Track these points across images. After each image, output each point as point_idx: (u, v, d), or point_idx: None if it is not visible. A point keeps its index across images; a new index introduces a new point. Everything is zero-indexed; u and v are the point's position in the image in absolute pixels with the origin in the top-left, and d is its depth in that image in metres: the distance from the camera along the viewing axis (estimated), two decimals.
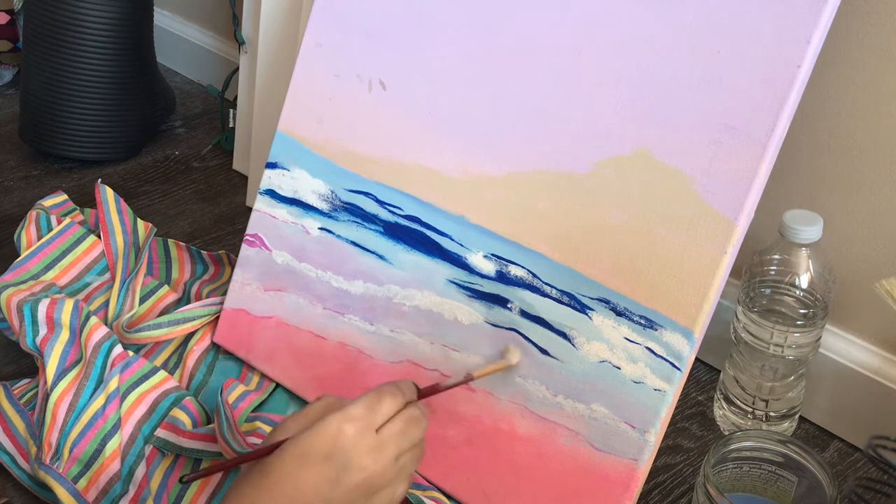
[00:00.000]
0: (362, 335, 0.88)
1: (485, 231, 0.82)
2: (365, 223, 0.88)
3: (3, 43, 1.48)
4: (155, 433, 0.85)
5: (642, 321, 0.74)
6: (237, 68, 1.27)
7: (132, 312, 0.96)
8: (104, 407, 0.85)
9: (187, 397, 0.88)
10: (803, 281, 0.84)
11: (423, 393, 0.71)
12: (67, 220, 1.03)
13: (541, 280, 0.79)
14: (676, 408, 0.91)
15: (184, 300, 1.02)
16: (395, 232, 0.86)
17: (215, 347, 0.97)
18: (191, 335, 0.97)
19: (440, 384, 0.73)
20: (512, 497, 0.80)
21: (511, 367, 0.79)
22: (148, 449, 0.85)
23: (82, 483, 0.81)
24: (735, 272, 0.87)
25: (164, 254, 1.07)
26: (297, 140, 0.93)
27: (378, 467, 0.64)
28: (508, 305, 0.80)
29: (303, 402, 0.92)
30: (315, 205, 0.91)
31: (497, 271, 0.81)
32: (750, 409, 0.89)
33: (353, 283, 0.89)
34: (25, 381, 0.92)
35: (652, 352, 0.74)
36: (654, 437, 0.74)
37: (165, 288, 1.01)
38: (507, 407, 0.80)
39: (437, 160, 0.84)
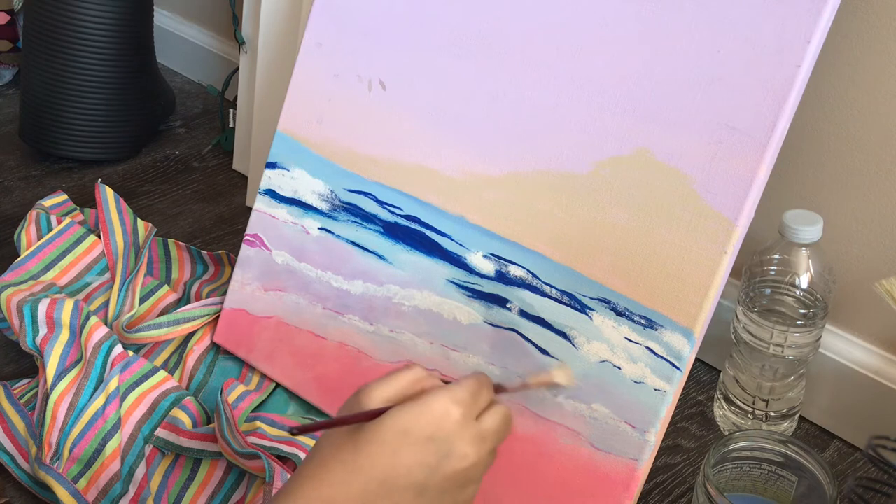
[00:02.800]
0: (362, 335, 0.88)
1: (484, 231, 0.82)
2: (365, 223, 0.88)
3: (3, 43, 1.48)
4: (155, 433, 0.85)
5: (642, 321, 0.74)
6: (237, 68, 1.27)
7: (132, 312, 0.96)
8: (104, 407, 0.85)
9: (187, 397, 0.88)
10: (803, 281, 0.84)
11: (495, 390, 0.65)
12: (67, 220, 1.03)
13: (540, 280, 0.79)
14: (676, 408, 0.91)
15: (184, 300, 1.02)
16: (394, 232, 0.86)
17: (215, 347, 0.97)
18: (191, 335, 0.97)
19: (502, 386, 0.66)
20: (512, 497, 0.80)
21: (560, 386, 0.72)
22: (148, 449, 0.85)
23: (82, 483, 0.81)
24: (735, 272, 0.87)
25: (164, 254, 1.07)
26: (297, 140, 0.93)
27: (477, 459, 0.59)
28: (508, 305, 0.80)
29: (303, 402, 0.92)
30: (315, 205, 0.91)
31: (497, 271, 0.81)
32: (750, 409, 0.89)
33: (352, 283, 0.89)
34: (25, 381, 0.92)
35: (652, 352, 0.74)
36: (654, 437, 0.74)
37: (165, 288, 1.01)
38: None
39: (437, 160, 0.84)
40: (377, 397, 0.59)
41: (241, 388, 0.90)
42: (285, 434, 0.83)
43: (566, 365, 0.74)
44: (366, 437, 0.57)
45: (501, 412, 0.62)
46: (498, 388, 0.65)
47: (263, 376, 0.95)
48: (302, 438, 0.82)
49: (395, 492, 0.57)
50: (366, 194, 0.88)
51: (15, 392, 0.90)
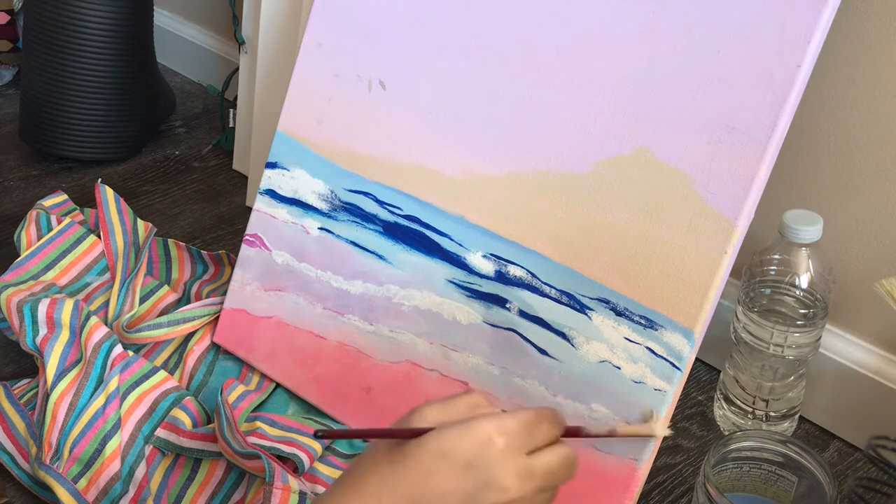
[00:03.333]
0: (362, 335, 0.88)
1: (484, 231, 0.82)
2: (364, 223, 0.88)
3: (3, 43, 1.48)
4: (155, 433, 0.85)
5: (642, 321, 0.74)
6: (237, 68, 1.27)
7: (132, 312, 0.96)
8: (104, 407, 0.85)
9: (187, 397, 0.88)
10: (803, 281, 0.84)
11: (567, 432, 0.62)
12: (67, 220, 1.03)
13: (540, 280, 0.79)
14: (676, 408, 0.91)
15: (184, 300, 1.02)
16: (394, 232, 0.86)
17: (215, 347, 0.97)
18: (191, 335, 0.97)
19: (583, 429, 0.64)
20: None
21: (654, 437, 0.72)
22: (148, 449, 0.85)
23: (82, 483, 0.81)
24: (735, 272, 0.87)
25: (164, 254, 1.07)
26: (297, 140, 0.93)
27: (519, 494, 0.56)
28: (507, 305, 0.80)
29: (303, 402, 0.92)
30: (315, 205, 0.91)
31: (496, 271, 0.81)
32: (750, 409, 0.89)
33: (352, 283, 0.89)
34: (25, 381, 0.92)
35: (652, 352, 0.74)
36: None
37: (165, 288, 1.01)
38: (506, 407, 0.80)
39: (437, 160, 0.84)
40: (429, 419, 0.58)
41: (241, 388, 0.90)
42: (286, 434, 0.83)
43: (660, 414, 0.72)
44: (404, 454, 0.56)
45: (560, 453, 0.59)
46: (575, 431, 0.62)
47: (263, 376, 0.95)
48: (304, 440, 0.82)
49: None
50: (366, 194, 0.88)
51: (15, 392, 0.90)
